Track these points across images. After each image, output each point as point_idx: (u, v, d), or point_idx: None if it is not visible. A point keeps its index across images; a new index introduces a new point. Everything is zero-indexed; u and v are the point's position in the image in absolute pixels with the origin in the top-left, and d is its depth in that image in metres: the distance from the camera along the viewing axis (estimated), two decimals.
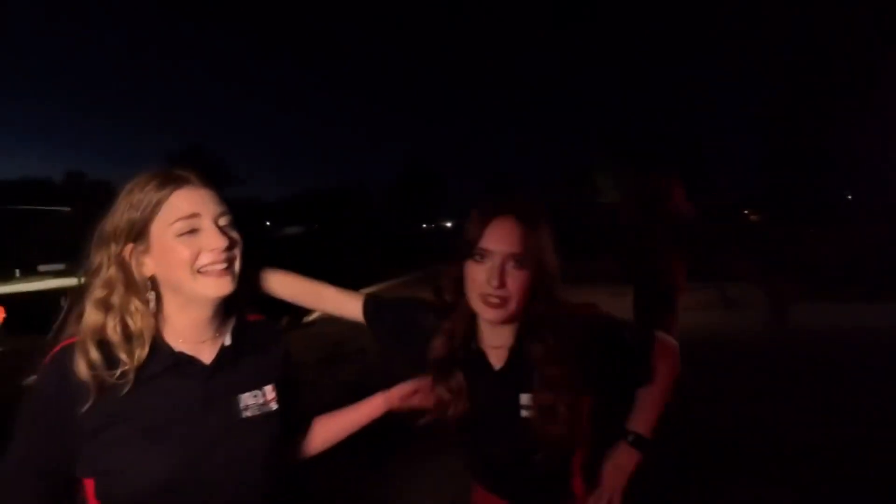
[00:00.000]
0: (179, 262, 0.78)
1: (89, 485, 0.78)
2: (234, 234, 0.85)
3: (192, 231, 0.79)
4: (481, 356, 0.99)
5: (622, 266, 3.81)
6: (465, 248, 0.93)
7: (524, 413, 0.95)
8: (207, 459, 0.80)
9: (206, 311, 0.84)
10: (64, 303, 0.85)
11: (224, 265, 0.81)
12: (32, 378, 0.80)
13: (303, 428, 1.04)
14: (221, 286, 0.81)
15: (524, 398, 0.95)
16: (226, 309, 0.88)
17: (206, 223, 0.80)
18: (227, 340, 0.87)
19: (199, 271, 0.80)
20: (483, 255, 0.90)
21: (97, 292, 0.79)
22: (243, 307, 0.91)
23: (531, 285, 0.91)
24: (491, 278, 0.88)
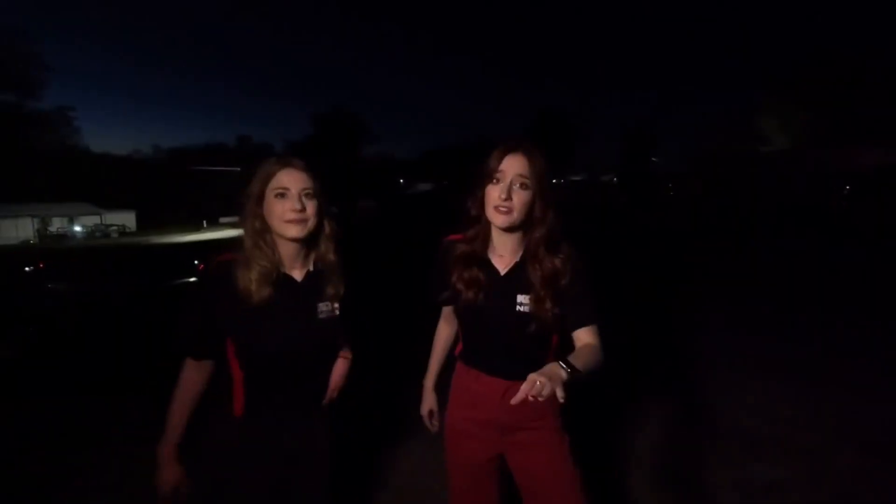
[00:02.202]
0: (275, 214, 1.22)
1: (230, 345, 1.23)
2: (310, 203, 1.24)
3: (283, 195, 1.22)
4: (490, 263, 1.34)
5: None
6: (487, 174, 1.26)
7: (518, 308, 1.28)
8: (300, 341, 1.24)
9: (293, 248, 1.27)
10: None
11: (299, 218, 1.21)
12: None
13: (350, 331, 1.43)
14: (296, 231, 1.22)
15: (520, 297, 1.28)
16: (311, 250, 1.31)
17: (293, 193, 1.22)
18: (311, 268, 1.31)
19: (285, 220, 1.21)
20: (498, 177, 1.24)
21: (256, 222, 1.23)
22: (326, 252, 1.32)
23: (531, 204, 1.25)
24: (502, 192, 1.23)
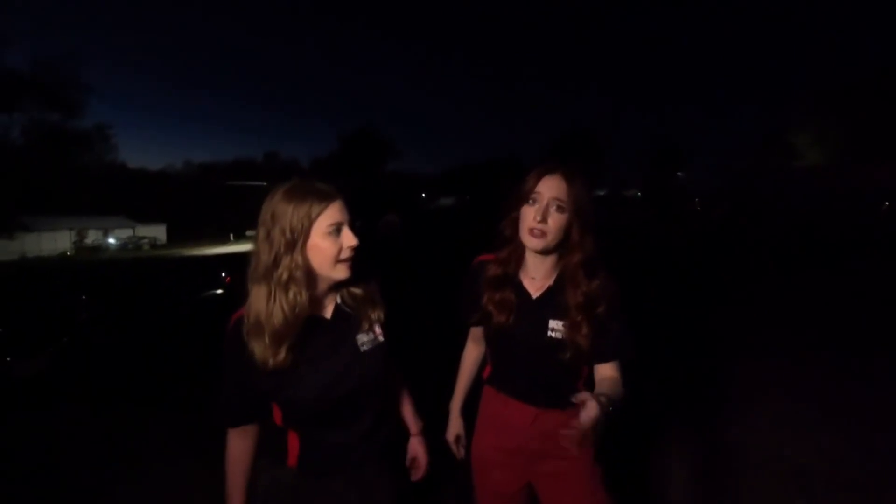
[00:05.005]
0: (327, 254, 1.06)
1: (275, 406, 1.13)
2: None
3: (338, 231, 1.07)
4: (522, 286, 1.29)
5: None
6: (523, 195, 1.22)
7: (549, 334, 1.23)
8: (343, 382, 1.11)
9: (328, 284, 1.12)
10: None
11: (354, 255, 1.09)
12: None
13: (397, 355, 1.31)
14: (348, 270, 1.09)
15: (552, 322, 1.23)
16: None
17: (347, 227, 1.08)
18: (339, 300, 1.17)
19: (341, 259, 1.07)
20: (534, 199, 1.20)
21: (284, 273, 1.03)
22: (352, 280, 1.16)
23: (567, 227, 1.20)
24: (537, 214, 1.18)
